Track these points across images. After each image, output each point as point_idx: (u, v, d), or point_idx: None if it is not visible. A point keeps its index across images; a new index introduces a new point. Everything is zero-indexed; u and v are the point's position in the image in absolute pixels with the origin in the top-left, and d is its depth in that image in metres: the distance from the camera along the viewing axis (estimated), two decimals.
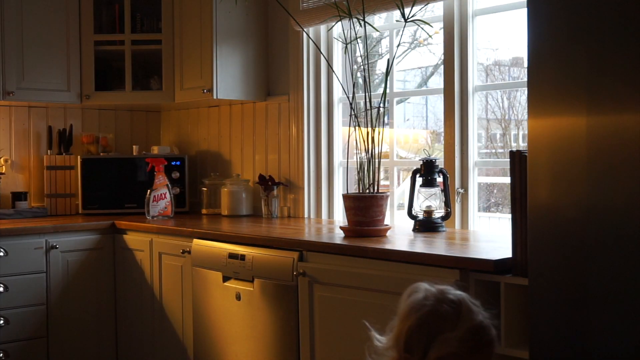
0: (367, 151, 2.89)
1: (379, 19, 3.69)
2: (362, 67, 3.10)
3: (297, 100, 3.78)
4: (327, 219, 3.72)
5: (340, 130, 3.78)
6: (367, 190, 2.89)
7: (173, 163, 4.09)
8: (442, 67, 3.24)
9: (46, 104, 4.11)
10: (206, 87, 3.73)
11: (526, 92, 1.99)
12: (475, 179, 3.17)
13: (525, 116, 2.01)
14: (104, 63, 4.09)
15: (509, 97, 4.25)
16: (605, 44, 1.82)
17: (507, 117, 4.28)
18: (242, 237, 3.02)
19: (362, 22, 2.90)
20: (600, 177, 1.84)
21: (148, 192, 3.76)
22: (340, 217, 3.72)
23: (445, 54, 3.19)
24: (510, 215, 2.20)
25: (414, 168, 3.01)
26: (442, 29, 3.20)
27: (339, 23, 3.30)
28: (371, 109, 2.90)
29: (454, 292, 1.45)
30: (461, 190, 3.15)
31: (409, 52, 4.39)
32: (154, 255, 3.48)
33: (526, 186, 2.02)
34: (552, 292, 1.93)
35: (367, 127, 2.91)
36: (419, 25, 2.89)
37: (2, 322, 3.34)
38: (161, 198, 3.78)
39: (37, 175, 4.15)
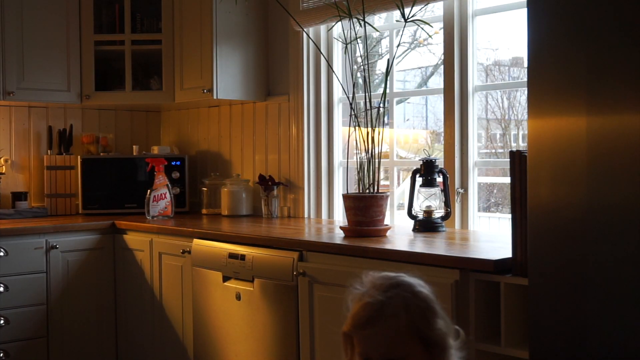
0: (367, 151, 2.89)
1: (379, 19, 3.69)
2: (362, 67, 3.10)
3: (297, 100, 3.78)
4: (327, 219, 3.72)
5: (340, 130, 3.78)
6: (367, 190, 2.89)
7: (173, 163, 4.09)
8: (442, 67, 3.24)
9: (46, 104, 4.11)
10: (206, 87, 3.73)
11: (526, 92, 1.99)
12: (475, 179, 3.18)
13: (525, 116, 2.02)
14: (104, 63, 4.09)
15: (509, 97, 4.26)
16: (605, 44, 1.82)
17: (507, 117, 4.29)
18: (242, 237, 3.02)
19: (362, 22, 2.90)
20: (600, 177, 1.84)
21: (148, 192, 3.76)
22: (340, 217, 3.72)
23: (445, 54, 3.19)
24: (510, 215, 2.20)
25: (414, 168, 3.01)
26: (442, 29, 3.20)
27: (339, 23, 3.30)
28: (371, 109, 2.90)
29: (378, 275, 1.52)
30: (461, 190, 3.15)
31: (409, 52, 4.39)
32: (154, 255, 3.48)
33: (526, 186, 2.02)
34: (552, 292, 1.93)
35: (367, 127, 2.91)
36: (419, 25, 2.89)
37: (2, 322, 3.34)
38: (161, 198, 3.78)
39: (37, 175, 4.15)
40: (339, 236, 2.86)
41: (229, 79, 3.77)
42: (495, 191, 3.95)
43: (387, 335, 1.44)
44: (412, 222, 3.02)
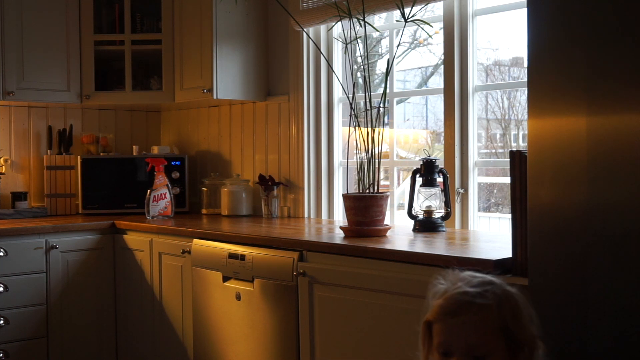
0: (367, 151, 2.89)
1: (379, 19, 3.69)
2: (362, 67, 3.10)
3: (297, 100, 3.78)
4: (327, 219, 3.72)
5: (340, 130, 3.78)
6: (367, 190, 2.89)
7: (173, 163, 4.09)
8: (442, 67, 3.24)
9: (46, 104, 4.11)
10: (206, 87, 3.73)
11: (526, 92, 1.99)
12: (475, 179, 3.18)
13: (525, 116, 2.02)
14: (104, 63, 4.09)
15: (509, 97, 4.26)
16: (605, 44, 1.82)
17: (507, 117, 4.29)
18: (242, 237, 3.02)
19: (362, 22, 2.90)
20: (600, 177, 1.84)
21: (148, 192, 3.76)
22: (340, 217, 3.72)
23: (445, 54, 3.19)
24: (510, 215, 2.20)
25: (414, 168, 3.01)
26: (442, 29, 3.20)
27: (339, 23, 3.30)
28: (371, 109, 2.90)
29: (466, 273, 1.52)
30: (461, 190, 3.15)
31: (409, 52, 4.39)
32: (154, 255, 3.48)
33: (526, 186, 2.02)
34: (552, 292, 1.93)
35: (367, 127, 2.91)
36: (419, 25, 2.89)
37: (2, 322, 3.34)
38: (161, 198, 3.78)
39: (37, 175, 4.15)
40: (339, 236, 2.86)
41: (229, 79, 3.77)
42: (495, 191, 3.95)
43: (475, 327, 1.40)
44: (412, 222, 3.02)
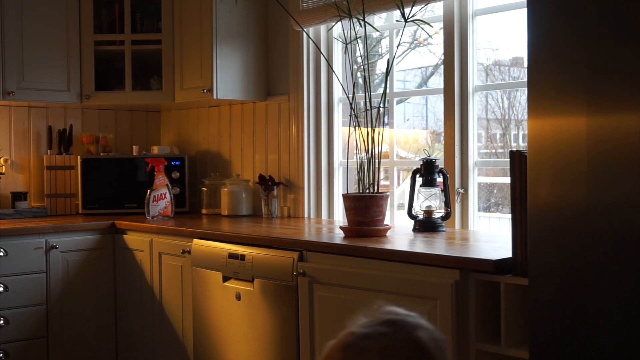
0: (367, 151, 2.89)
1: (379, 19, 3.69)
2: (362, 67, 3.10)
3: (297, 100, 3.78)
4: (327, 219, 3.72)
5: (340, 130, 3.78)
6: (367, 190, 2.89)
7: (173, 163, 4.09)
8: (442, 67, 3.24)
9: (46, 104, 4.11)
10: (206, 87, 3.73)
11: (526, 92, 1.99)
12: (475, 179, 3.17)
13: (525, 116, 2.02)
14: (104, 63, 4.09)
15: (509, 97, 4.26)
16: (606, 44, 1.82)
17: (507, 117, 4.29)
18: (242, 237, 3.02)
19: (362, 22, 2.90)
20: (600, 177, 1.84)
21: (148, 192, 3.76)
22: (340, 217, 3.72)
23: (445, 54, 3.19)
24: (510, 215, 2.20)
25: (414, 168, 3.01)
26: (442, 29, 3.20)
27: (339, 23, 3.30)
28: (371, 109, 2.90)
29: (387, 309, 1.26)
30: (461, 190, 3.15)
31: (409, 52, 4.40)
32: (154, 255, 3.48)
33: (526, 186, 2.02)
34: (552, 292, 1.93)
35: (367, 127, 2.91)
36: (419, 25, 2.89)
37: (2, 322, 3.34)
38: (161, 198, 3.78)
39: (37, 175, 4.15)
40: (339, 236, 2.86)
41: (229, 79, 3.77)
42: (495, 191, 3.95)
43: None
44: (412, 222, 3.02)
